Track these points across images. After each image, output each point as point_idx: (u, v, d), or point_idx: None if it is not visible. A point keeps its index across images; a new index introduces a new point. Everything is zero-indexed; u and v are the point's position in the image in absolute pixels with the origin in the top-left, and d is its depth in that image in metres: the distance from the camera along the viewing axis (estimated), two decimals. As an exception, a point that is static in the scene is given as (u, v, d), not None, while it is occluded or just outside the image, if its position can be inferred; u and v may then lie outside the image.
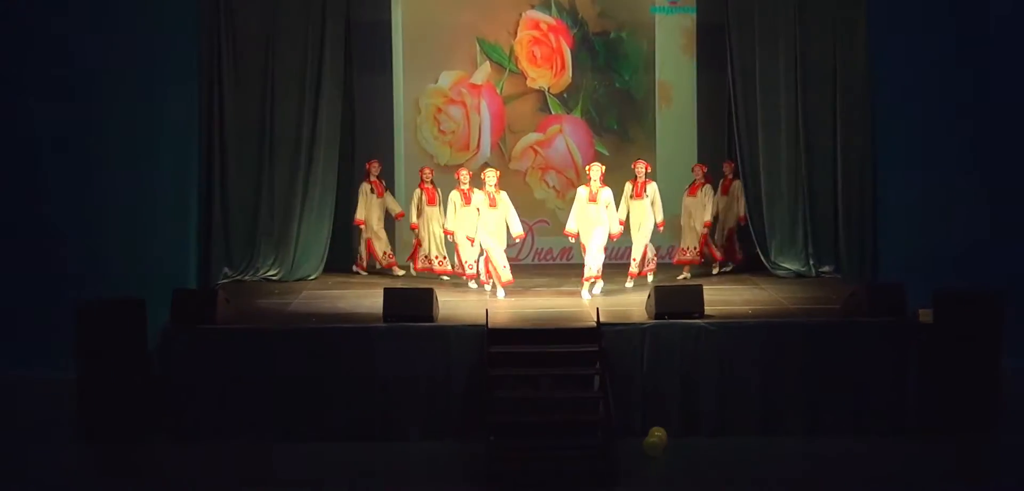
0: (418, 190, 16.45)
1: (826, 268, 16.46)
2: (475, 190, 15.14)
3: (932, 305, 12.97)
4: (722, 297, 14.65)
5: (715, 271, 16.46)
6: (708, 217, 16.12)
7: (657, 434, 12.43)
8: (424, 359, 12.80)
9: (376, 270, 17.05)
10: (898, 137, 15.00)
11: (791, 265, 16.51)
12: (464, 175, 15.42)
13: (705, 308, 13.15)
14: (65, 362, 13.01)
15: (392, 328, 12.92)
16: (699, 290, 13.31)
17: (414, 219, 16.46)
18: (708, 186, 16.24)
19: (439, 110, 18.21)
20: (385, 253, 16.82)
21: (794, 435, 12.72)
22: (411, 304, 13.16)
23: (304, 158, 16.56)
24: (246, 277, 16.46)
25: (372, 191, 16.65)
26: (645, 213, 15.28)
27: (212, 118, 16.10)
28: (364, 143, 17.91)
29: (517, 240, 15.08)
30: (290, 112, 16.54)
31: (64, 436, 12.70)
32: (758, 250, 16.70)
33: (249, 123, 16.47)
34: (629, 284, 15.42)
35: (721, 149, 17.95)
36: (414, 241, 16.62)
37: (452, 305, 14.31)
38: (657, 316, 13.04)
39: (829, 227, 16.42)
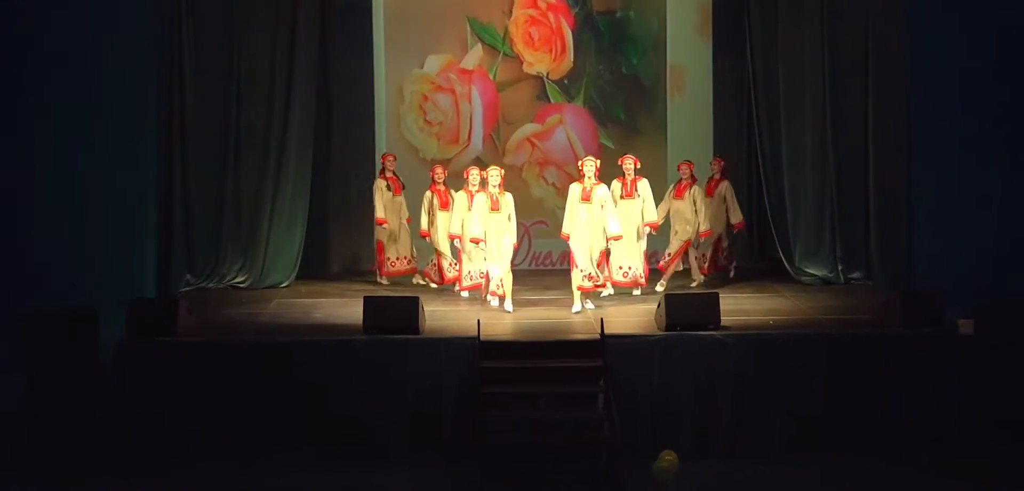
0: (429, 193, 16.26)
1: (856, 274, 16.58)
2: (478, 192, 14.95)
3: (973, 315, 13.13)
4: (740, 306, 14.77)
5: (694, 284, 16.35)
6: (706, 226, 16.05)
7: (668, 458, 12.52)
8: (409, 375, 12.91)
9: (361, 272, 17.19)
10: (937, 129, 15.01)
11: (817, 271, 16.65)
12: (474, 174, 15.23)
13: (721, 319, 13.28)
14: (8, 378, 13.10)
15: (373, 340, 13.04)
16: (715, 299, 13.43)
17: (425, 226, 16.24)
18: (697, 187, 16.16)
19: (425, 98, 18.35)
20: (392, 259, 16.68)
21: (820, 459, 12.82)
22: (394, 314, 13.27)
23: (274, 153, 16.68)
24: (210, 285, 16.57)
25: (388, 188, 16.56)
26: (635, 215, 15.27)
27: (172, 108, 16.18)
28: (341, 136, 18.05)
29: (514, 249, 14.98)
30: (259, 102, 16.64)
31: (7, 459, 12.84)
32: (780, 254, 16.84)
33: (213, 114, 16.56)
34: (636, 292, 15.55)
35: (739, 141, 18.09)
36: (436, 253, 16.38)
37: (440, 315, 14.44)
38: (668, 327, 13.16)
39: (859, 229, 16.51)
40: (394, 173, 16.69)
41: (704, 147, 17.91)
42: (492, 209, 14.73)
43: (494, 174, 14.80)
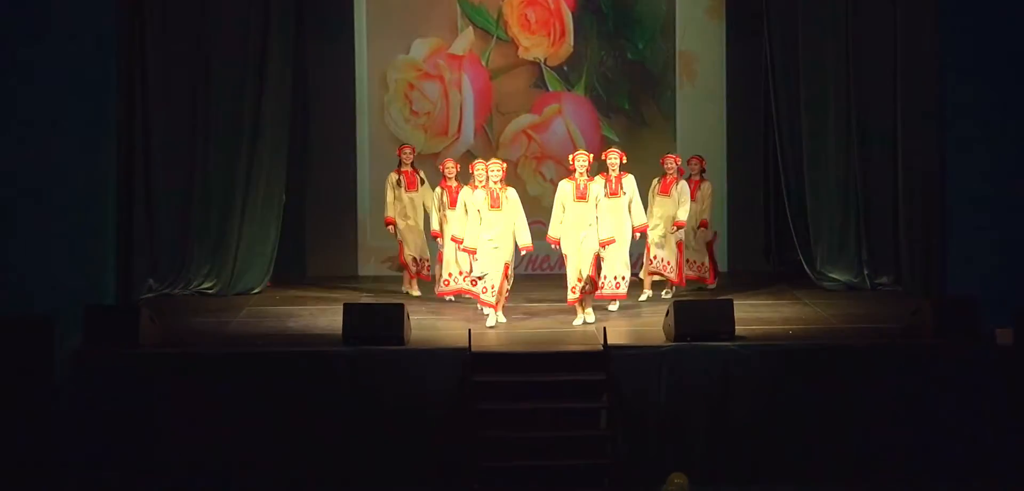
0: (439, 188, 15.90)
1: (884, 279, 16.57)
2: (478, 188, 14.69)
3: (1013, 323, 13.09)
4: (756, 315, 14.78)
5: (665, 293, 16.03)
6: (682, 217, 15.74)
7: (677, 481, 12.46)
8: (393, 390, 12.89)
9: (341, 278, 17.11)
10: (973, 120, 15.03)
11: (841, 275, 16.63)
12: (479, 169, 14.77)
13: (736, 328, 13.26)
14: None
15: (354, 352, 13.00)
16: (729, 306, 13.42)
17: (436, 225, 15.93)
18: (684, 182, 15.92)
19: (411, 86, 18.31)
20: (416, 260, 16.35)
21: (843, 481, 12.84)
22: (377, 323, 13.24)
23: (246, 147, 16.64)
24: (175, 291, 16.54)
25: (400, 183, 16.33)
26: (622, 216, 14.98)
27: (133, 96, 16.15)
28: (319, 127, 18.03)
29: (524, 252, 14.79)
30: (228, 91, 16.59)
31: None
32: (800, 258, 16.82)
33: (178, 104, 16.53)
34: (613, 307, 15.13)
35: (755, 134, 18.07)
36: (438, 254, 16.06)
37: (427, 324, 14.44)
38: (678, 338, 13.15)
39: (888, 229, 16.51)
40: (412, 166, 16.44)
41: (716, 140, 17.89)
42: (492, 206, 14.52)
43: (495, 168, 14.57)
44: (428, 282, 16.41)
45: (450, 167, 15.92)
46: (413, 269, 16.43)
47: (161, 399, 12.86)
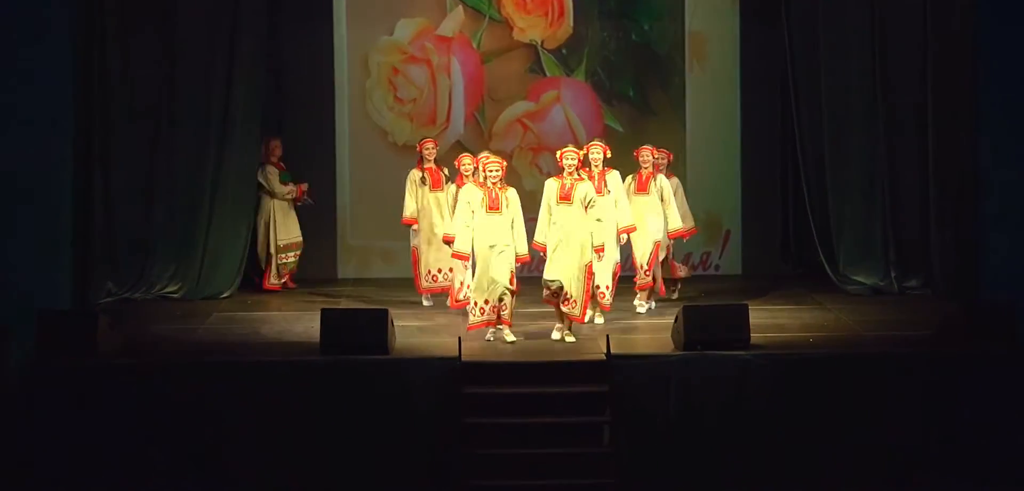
0: (454, 186, 15.62)
1: (912, 282, 16.62)
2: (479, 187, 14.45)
3: (1052, 329, 13.21)
4: (774, 321, 14.82)
5: (674, 295, 16.12)
6: (676, 223, 15.56)
7: (687, 502, 12.60)
8: (376, 404, 12.90)
9: (319, 281, 17.18)
10: (1010, 108, 15.10)
11: (866, 278, 16.68)
12: (482, 161, 14.50)
13: (751, 335, 13.28)
14: None
15: (333, 362, 13.03)
16: (743, 312, 13.44)
17: (447, 228, 15.44)
18: (662, 177, 15.64)
19: (395, 71, 18.32)
20: (431, 273, 16.10)
21: (869, 501, 12.89)
22: (358, 330, 13.26)
23: (214, 137, 16.67)
24: (137, 295, 16.54)
25: (424, 180, 16.18)
26: (610, 217, 14.80)
27: (91, 83, 16.09)
28: (294, 117, 18.00)
29: (519, 263, 14.38)
30: (195, 75, 16.61)
31: None
32: (822, 258, 16.85)
33: (141, 90, 16.54)
34: (599, 320, 14.98)
35: (772, 124, 18.08)
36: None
37: (413, 331, 14.46)
38: (688, 346, 13.17)
39: (916, 228, 16.57)
40: (435, 163, 16.23)
41: (729, 129, 17.93)
42: (490, 209, 14.24)
43: (494, 166, 14.24)
44: (443, 293, 15.99)
45: (467, 163, 15.43)
46: (425, 283, 16.17)
47: (121, 413, 12.84)
